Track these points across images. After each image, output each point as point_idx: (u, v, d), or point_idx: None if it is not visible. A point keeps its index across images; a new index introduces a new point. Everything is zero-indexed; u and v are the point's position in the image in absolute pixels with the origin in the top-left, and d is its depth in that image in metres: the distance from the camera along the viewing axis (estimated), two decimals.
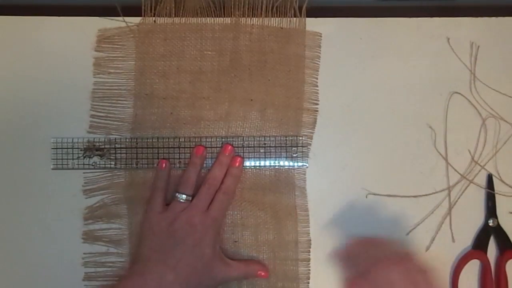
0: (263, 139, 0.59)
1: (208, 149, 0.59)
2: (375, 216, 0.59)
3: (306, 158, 0.59)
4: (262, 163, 0.59)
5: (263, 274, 0.57)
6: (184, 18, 0.60)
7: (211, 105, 0.59)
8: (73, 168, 0.59)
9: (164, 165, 0.58)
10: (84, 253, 0.59)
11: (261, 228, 0.59)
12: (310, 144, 0.59)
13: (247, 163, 0.59)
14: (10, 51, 0.60)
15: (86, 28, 0.60)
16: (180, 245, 0.54)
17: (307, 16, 0.59)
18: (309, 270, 0.59)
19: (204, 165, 0.58)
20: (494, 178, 0.59)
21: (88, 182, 0.59)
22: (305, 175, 0.59)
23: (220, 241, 0.58)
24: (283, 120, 0.59)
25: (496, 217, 0.58)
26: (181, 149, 0.59)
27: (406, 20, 0.60)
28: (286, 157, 0.59)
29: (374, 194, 0.59)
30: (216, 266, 0.55)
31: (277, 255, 0.59)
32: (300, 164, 0.59)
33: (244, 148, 0.59)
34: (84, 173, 0.59)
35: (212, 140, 0.59)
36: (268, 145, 0.59)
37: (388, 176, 0.60)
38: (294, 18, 0.59)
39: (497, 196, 0.59)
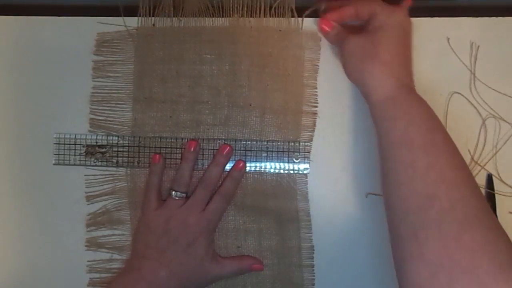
0: (265, 143, 0.59)
1: (209, 151, 0.59)
2: (375, 216, 0.59)
3: (308, 163, 0.59)
4: (263, 166, 0.59)
5: (257, 266, 0.58)
6: (182, 22, 0.59)
7: (211, 110, 0.59)
8: (74, 164, 0.59)
9: (158, 159, 0.57)
10: (88, 261, 0.60)
11: (264, 234, 0.59)
12: (311, 148, 0.59)
13: (248, 166, 0.59)
14: (10, 50, 0.60)
15: (86, 28, 0.60)
16: (173, 244, 0.54)
17: (306, 16, 0.59)
18: (314, 276, 0.59)
19: (203, 166, 0.59)
20: (494, 178, 0.59)
21: (90, 186, 0.60)
22: (306, 178, 0.59)
23: (213, 242, 0.58)
24: (282, 124, 0.59)
25: (496, 217, 0.58)
26: (183, 149, 0.58)
27: None
28: (288, 162, 0.59)
29: (374, 194, 0.59)
30: (208, 266, 0.56)
31: (281, 261, 0.59)
32: (302, 168, 0.59)
33: (246, 152, 0.59)
34: (85, 175, 0.60)
35: (215, 143, 0.59)
36: (270, 150, 0.59)
37: None
38: (292, 20, 0.59)
39: (497, 196, 0.59)
